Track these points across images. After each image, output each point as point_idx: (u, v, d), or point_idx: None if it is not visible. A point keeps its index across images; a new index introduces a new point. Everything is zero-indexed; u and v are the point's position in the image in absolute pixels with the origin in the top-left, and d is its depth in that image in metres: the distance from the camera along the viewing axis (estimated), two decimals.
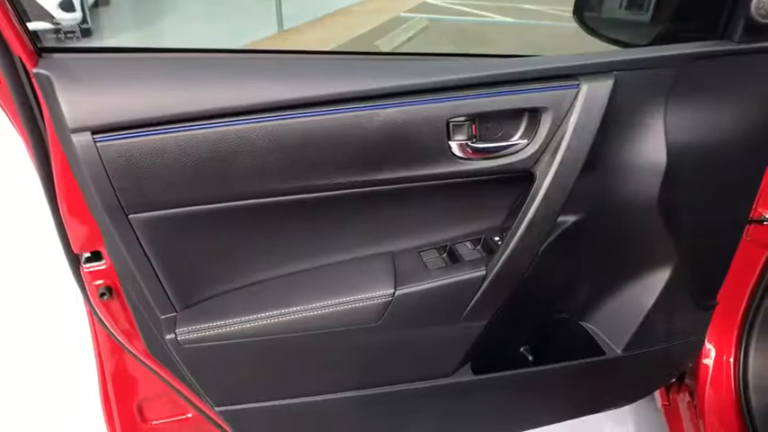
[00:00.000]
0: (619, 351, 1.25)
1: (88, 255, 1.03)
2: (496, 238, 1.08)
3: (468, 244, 1.10)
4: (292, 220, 1.01)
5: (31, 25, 0.81)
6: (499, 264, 1.02)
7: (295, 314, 1.02)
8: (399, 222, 1.09)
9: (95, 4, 6.80)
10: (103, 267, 1.03)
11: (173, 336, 1.00)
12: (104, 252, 1.01)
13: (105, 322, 1.10)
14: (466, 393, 1.24)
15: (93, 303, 1.07)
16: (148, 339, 1.09)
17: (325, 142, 0.88)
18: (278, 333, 1.03)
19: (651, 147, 1.00)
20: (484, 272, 1.04)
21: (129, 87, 0.83)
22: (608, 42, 1.12)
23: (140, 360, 1.15)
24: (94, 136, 0.81)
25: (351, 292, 1.03)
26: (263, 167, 0.88)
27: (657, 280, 1.18)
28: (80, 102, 0.81)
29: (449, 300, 1.06)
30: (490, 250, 1.07)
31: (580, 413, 1.45)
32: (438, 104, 0.90)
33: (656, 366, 1.39)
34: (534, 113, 0.94)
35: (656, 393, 1.74)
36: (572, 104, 0.92)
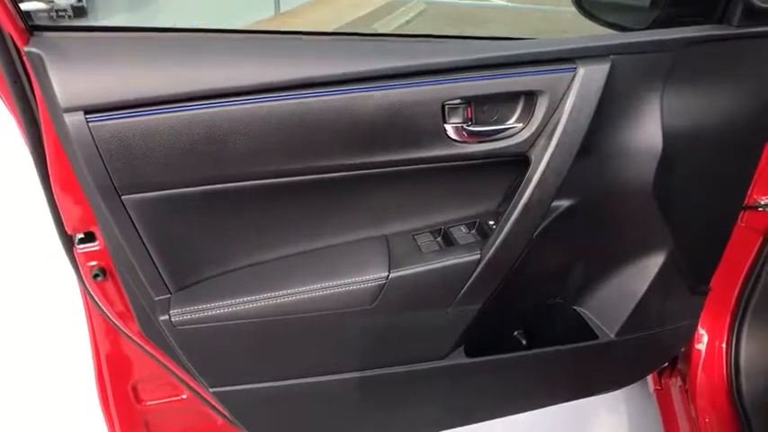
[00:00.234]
0: (612, 336, 1.25)
1: (82, 236, 1.03)
2: (491, 222, 1.07)
3: (462, 228, 1.10)
4: (286, 202, 1.00)
5: (23, 4, 0.80)
6: (493, 248, 1.02)
7: (289, 297, 1.02)
8: (394, 205, 1.08)
9: None
10: (97, 248, 1.03)
11: (167, 317, 1.00)
12: (98, 233, 1.01)
13: (99, 304, 1.10)
14: (459, 376, 1.25)
15: (86, 285, 1.07)
16: (142, 321, 1.09)
17: (320, 124, 0.88)
18: (272, 315, 1.03)
19: (647, 131, 1.00)
20: (478, 256, 1.04)
21: (123, 67, 0.82)
22: (605, 26, 1.11)
23: (135, 341, 1.15)
24: (87, 116, 0.80)
25: (345, 274, 1.03)
26: (257, 149, 0.88)
27: (651, 265, 1.18)
28: (72, 81, 0.80)
29: (443, 283, 1.06)
30: (485, 234, 1.07)
31: (573, 397, 1.46)
32: (434, 87, 0.89)
33: (649, 351, 1.40)
34: (530, 97, 0.93)
35: (649, 378, 1.76)
36: (568, 88, 0.91)
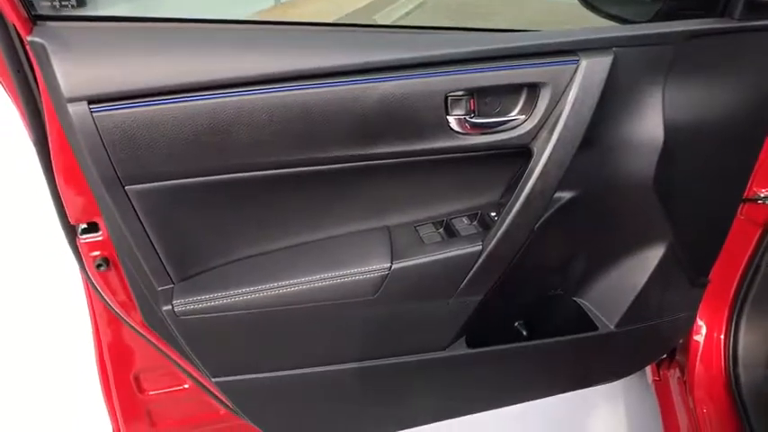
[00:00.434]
0: (611, 327, 1.26)
1: (85, 226, 1.03)
2: (493, 214, 1.08)
3: (464, 219, 1.10)
4: (289, 193, 1.01)
5: None
6: (495, 239, 1.02)
7: (291, 287, 1.03)
8: (396, 197, 1.09)
9: None
10: (100, 239, 1.03)
11: (169, 307, 1.01)
12: (101, 223, 1.01)
13: (102, 293, 1.10)
14: (460, 367, 1.26)
15: (89, 274, 1.07)
16: (145, 311, 1.09)
17: (323, 115, 0.88)
18: (274, 306, 1.04)
19: (648, 124, 1.00)
20: (480, 247, 1.04)
21: (126, 57, 0.82)
22: (608, 18, 1.11)
23: (137, 331, 1.16)
24: (91, 106, 0.80)
25: (347, 265, 1.04)
26: (260, 140, 0.88)
27: (651, 257, 1.19)
28: (76, 71, 0.80)
29: (444, 274, 1.07)
30: (486, 225, 1.07)
31: (572, 387, 1.47)
32: (436, 78, 0.89)
33: (648, 342, 1.41)
34: (533, 89, 0.93)
35: (647, 369, 1.76)
36: (571, 80, 0.91)
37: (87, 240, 1.03)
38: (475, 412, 1.43)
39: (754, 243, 1.43)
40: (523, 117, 0.95)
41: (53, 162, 0.93)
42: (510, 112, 0.95)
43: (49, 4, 0.84)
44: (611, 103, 0.96)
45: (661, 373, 1.70)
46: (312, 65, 0.86)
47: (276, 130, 0.87)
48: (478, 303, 1.13)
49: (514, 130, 0.96)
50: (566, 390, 1.46)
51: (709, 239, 1.26)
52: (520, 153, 0.98)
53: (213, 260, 1.05)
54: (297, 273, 1.04)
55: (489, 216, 1.08)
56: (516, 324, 1.28)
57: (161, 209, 0.93)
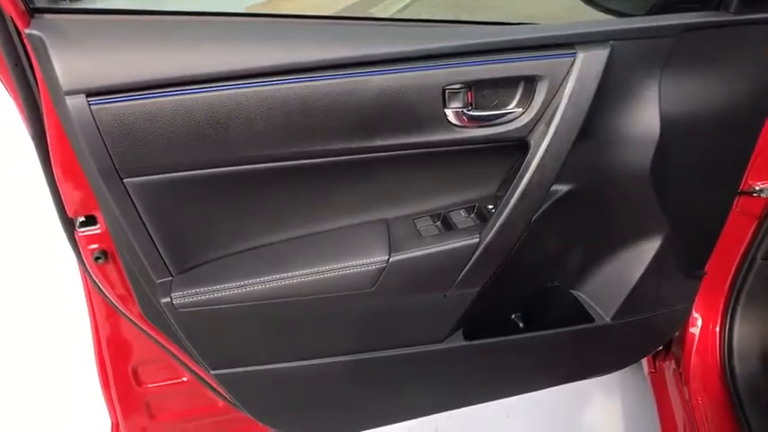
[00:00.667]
0: (608, 319, 1.26)
1: (83, 219, 1.03)
2: (490, 207, 1.08)
3: (461, 212, 1.10)
4: (287, 186, 1.01)
5: None
6: (492, 232, 1.03)
7: (290, 279, 1.03)
8: (394, 189, 1.09)
9: None
10: (98, 231, 1.03)
11: (168, 300, 1.01)
12: (99, 216, 1.01)
13: (100, 286, 1.11)
14: (457, 359, 1.26)
15: (88, 267, 1.07)
16: (144, 303, 1.10)
17: (320, 108, 0.88)
18: (273, 298, 1.04)
19: (645, 117, 1.00)
20: (477, 239, 1.05)
21: (124, 50, 0.82)
22: (604, 12, 1.11)
23: (136, 324, 1.16)
24: (89, 99, 0.80)
25: (345, 258, 1.04)
26: (259, 133, 0.88)
27: (647, 249, 1.19)
28: (74, 64, 0.80)
29: (442, 267, 1.07)
30: (484, 218, 1.07)
31: (568, 379, 1.47)
32: (434, 71, 0.89)
33: (644, 334, 1.41)
34: (530, 82, 0.93)
35: (643, 361, 1.77)
36: (568, 73, 0.92)
37: (85, 233, 1.03)
38: (472, 404, 1.44)
39: (749, 235, 1.43)
40: (521, 110, 0.95)
41: (51, 155, 0.93)
42: (507, 105, 0.96)
43: None
44: (608, 95, 0.96)
45: (657, 365, 1.71)
46: (309, 58, 0.86)
47: (274, 123, 0.87)
48: (476, 296, 1.13)
49: (512, 123, 0.96)
50: (562, 382, 1.46)
51: (705, 232, 1.26)
52: (517, 146, 0.99)
53: (211, 253, 1.05)
54: (295, 265, 1.04)
55: (486, 209, 1.08)
56: (513, 316, 1.29)
57: (159, 201, 0.94)
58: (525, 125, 0.96)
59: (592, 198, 1.10)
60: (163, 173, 0.90)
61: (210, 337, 1.11)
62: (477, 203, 1.10)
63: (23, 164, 1.32)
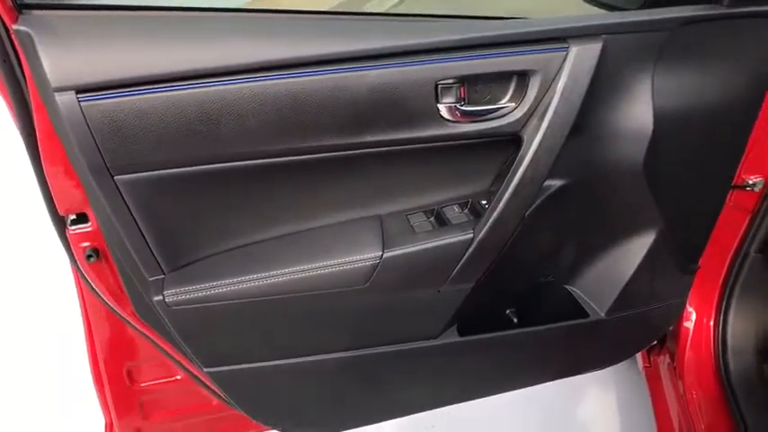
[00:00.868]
0: (602, 314, 1.26)
1: (74, 217, 1.02)
2: (483, 202, 1.08)
3: (455, 207, 1.10)
4: (280, 182, 1.00)
5: None
6: (486, 227, 1.02)
7: (283, 276, 1.03)
8: (387, 185, 1.08)
9: None
10: (90, 229, 1.02)
11: (160, 297, 1.01)
12: (90, 214, 1.01)
13: (92, 285, 1.10)
14: (451, 355, 1.26)
15: (79, 266, 1.07)
16: (136, 301, 1.09)
17: (312, 104, 0.87)
18: (266, 295, 1.04)
19: (638, 111, 1.00)
20: (471, 235, 1.04)
21: (114, 46, 0.81)
22: (597, 6, 1.11)
23: (128, 322, 1.15)
24: (78, 95, 0.80)
25: (339, 254, 1.04)
26: (249, 129, 0.87)
27: (641, 244, 1.19)
28: (63, 60, 0.79)
29: (436, 263, 1.07)
30: (477, 213, 1.07)
31: (563, 374, 1.47)
32: (427, 66, 0.89)
33: (639, 329, 1.42)
34: (523, 76, 0.93)
35: (638, 355, 1.78)
36: (560, 68, 0.91)
37: (77, 231, 1.02)
38: (467, 400, 1.44)
39: (742, 229, 1.43)
40: (513, 105, 0.95)
41: (41, 152, 0.92)
42: (500, 99, 0.95)
43: None
44: (601, 90, 0.96)
45: (651, 359, 1.71)
46: (301, 53, 0.85)
47: (265, 119, 0.87)
48: (470, 291, 1.13)
49: (504, 118, 0.95)
50: (556, 377, 1.46)
51: (698, 226, 1.26)
52: (510, 141, 0.98)
53: (204, 250, 1.05)
54: (288, 262, 1.03)
55: (480, 204, 1.08)
56: (507, 312, 1.28)
57: (151, 199, 0.93)
58: (518, 120, 0.95)
59: (585, 193, 1.10)
60: (154, 170, 0.89)
61: (203, 335, 1.11)
62: (470, 199, 1.10)
63: (13, 161, 1.31)
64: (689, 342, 1.53)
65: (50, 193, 0.98)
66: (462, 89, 0.92)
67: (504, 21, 0.94)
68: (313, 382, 1.26)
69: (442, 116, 0.93)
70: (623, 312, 1.28)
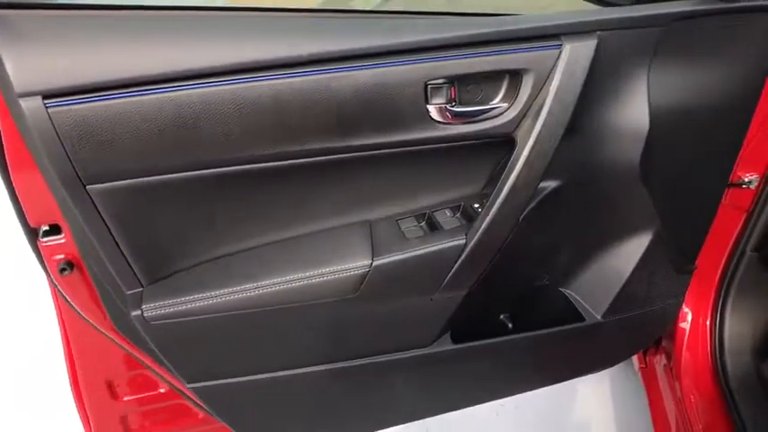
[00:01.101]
0: (598, 317, 1.24)
1: (46, 228, 0.97)
2: (476, 206, 1.05)
3: (446, 211, 1.07)
4: (263, 189, 0.96)
5: None
6: (479, 232, 0.99)
7: (268, 287, 0.98)
8: (376, 190, 1.05)
9: None
10: (63, 241, 0.97)
11: (139, 312, 0.96)
12: (64, 225, 0.96)
13: (68, 299, 1.05)
14: (445, 363, 1.23)
15: (54, 279, 1.02)
16: (114, 316, 1.04)
17: (296, 106, 0.83)
18: (251, 307, 1.00)
19: (634, 110, 0.98)
20: (464, 240, 1.01)
21: (84, 47, 0.77)
22: (590, 1, 1.08)
23: (108, 336, 1.11)
24: (45, 101, 0.75)
25: (326, 263, 1.00)
26: (230, 134, 0.83)
27: (638, 245, 1.17)
28: (28, 63, 0.74)
29: (428, 269, 1.03)
30: (470, 217, 1.04)
31: (559, 379, 1.45)
32: (415, 66, 0.85)
33: (636, 331, 1.40)
34: (515, 76, 0.90)
35: (634, 356, 1.75)
36: (554, 66, 0.89)
37: (49, 243, 0.98)
38: (460, 408, 1.41)
39: (738, 228, 1.42)
40: (506, 105, 0.92)
41: (8, 161, 0.88)
42: (492, 100, 0.92)
43: None
44: (596, 88, 0.93)
45: (647, 360, 1.69)
46: (283, 53, 0.81)
47: (246, 123, 0.83)
48: (463, 298, 1.10)
49: (497, 119, 0.93)
50: (552, 382, 1.44)
51: (695, 225, 1.24)
52: (503, 142, 0.95)
53: (184, 261, 1.00)
54: (273, 272, 0.99)
55: (472, 208, 1.05)
56: (502, 316, 1.26)
57: (126, 209, 0.88)
58: (511, 120, 0.92)
59: (580, 194, 1.08)
60: (129, 178, 0.84)
61: (186, 350, 1.06)
62: (462, 202, 1.07)
63: None
64: (685, 343, 1.51)
65: (20, 204, 0.93)
66: (453, 89, 0.90)
67: (496, 18, 0.91)
68: (302, 395, 1.22)
69: (431, 118, 0.90)
70: (620, 315, 1.26)
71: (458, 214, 1.06)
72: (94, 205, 0.85)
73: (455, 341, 1.20)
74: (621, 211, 1.13)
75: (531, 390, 1.44)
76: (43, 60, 0.75)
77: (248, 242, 1.02)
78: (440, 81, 0.88)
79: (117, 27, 0.80)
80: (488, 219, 0.98)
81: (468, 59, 0.87)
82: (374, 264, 1.00)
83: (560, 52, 0.88)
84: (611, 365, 1.51)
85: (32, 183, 0.89)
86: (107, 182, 0.84)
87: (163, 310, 0.97)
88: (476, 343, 1.21)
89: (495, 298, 1.21)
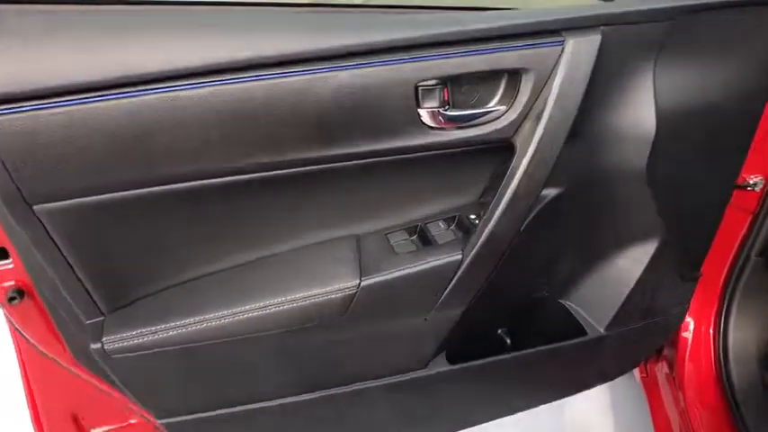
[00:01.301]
0: (601, 330, 1.19)
1: None
2: (472, 216, 0.98)
3: (440, 223, 1.00)
4: (235, 204, 0.87)
5: None
6: (477, 246, 0.93)
7: (244, 314, 0.89)
8: (362, 202, 0.97)
9: None
10: (11, 267, 0.87)
11: (99, 345, 0.86)
12: (12, 249, 0.85)
13: (20, 329, 0.95)
14: (440, 384, 1.16)
15: (4, 309, 0.91)
16: (74, 347, 0.94)
17: (271, 112, 0.75)
18: (225, 336, 0.90)
19: (640, 111, 0.93)
20: (460, 256, 0.94)
21: (22, 46, 0.67)
22: None
23: (68, 369, 1.00)
24: None
25: (308, 285, 0.91)
26: (196, 144, 0.74)
27: (642, 253, 1.12)
28: None
29: (421, 288, 0.96)
30: (465, 230, 0.97)
31: (561, 395, 1.40)
32: (405, 65, 0.78)
33: (639, 342, 1.35)
34: (514, 75, 0.84)
35: None
36: (556, 64, 0.82)
37: None
38: (459, 430, 1.33)
39: (743, 232, 1.36)
40: (504, 108, 0.85)
41: None
42: (488, 102, 0.85)
43: None
44: (600, 88, 0.88)
45: (648, 368, 1.64)
46: (255, 52, 0.72)
47: (214, 132, 0.74)
48: (459, 316, 1.02)
49: (494, 123, 0.86)
50: (554, 399, 1.38)
51: (701, 231, 1.19)
52: (501, 148, 0.89)
53: (149, 286, 0.91)
54: (249, 297, 0.90)
55: (469, 219, 0.98)
56: (499, 331, 1.19)
57: (80, 230, 0.79)
58: (510, 124, 0.86)
59: (583, 201, 1.02)
60: (81, 196, 0.75)
61: (154, 384, 0.97)
62: (457, 214, 1.00)
63: None
64: (688, 352, 1.46)
65: None
66: (446, 91, 0.83)
67: (492, 12, 0.84)
68: (287, 427, 1.13)
69: (423, 123, 0.83)
70: (624, 327, 1.21)
71: (452, 226, 0.99)
72: (44, 227, 0.76)
73: (451, 361, 1.13)
74: (626, 217, 1.08)
75: (530, 408, 1.37)
76: None
77: (220, 263, 0.93)
78: (432, 82, 0.81)
79: (58, 23, 0.70)
80: (487, 232, 0.91)
81: (463, 58, 0.80)
82: (362, 284, 0.92)
83: (562, 49, 0.82)
84: (615, 378, 1.45)
85: None
86: (56, 201, 0.74)
87: (126, 342, 0.87)
88: (473, 363, 1.13)
89: (492, 313, 1.15)
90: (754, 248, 1.36)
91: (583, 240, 1.10)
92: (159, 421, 1.01)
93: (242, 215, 0.90)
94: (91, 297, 0.85)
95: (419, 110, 0.81)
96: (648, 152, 0.94)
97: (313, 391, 1.07)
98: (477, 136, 0.86)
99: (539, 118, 0.84)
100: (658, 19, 0.86)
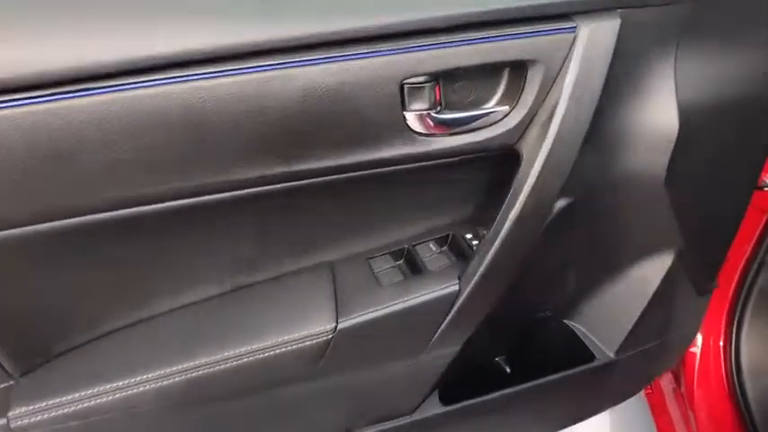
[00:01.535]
0: (611, 354, 1.09)
1: None
2: (469, 236, 0.86)
3: (431, 245, 0.88)
4: (180, 232, 0.73)
5: None
6: (478, 275, 0.80)
7: (193, 371, 0.74)
8: (339, 223, 0.84)
9: None
10: None
11: (4, 421, 0.70)
12: None
13: None
14: (433, 429, 1.02)
15: None
16: None
17: (221, 119, 0.60)
18: (170, 399, 0.75)
19: (660, 108, 0.82)
20: (457, 286, 0.81)
21: None
22: None
23: None
24: None
25: (273, 331, 0.76)
26: (124, 162, 0.59)
27: (657, 268, 1.01)
28: None
29: (411, 328, 0.83)
30: (461, 252, 0.85)
31: (566, 424, 1.28)
32: (388, 58, 0.64)
33: (650, 363, 1.25)
34: (518, 69, 0.71)
35: None
36: (568, 55, 0.70)
37: None
38: None
39: (756, 236, 1.28)
40: (506, 108, 0.73)
41: None
42: (488, 101, 0.74)
43: None
44: (617, 83, 0.76)
45: (653, 383, 1.54)
46: (198, 44, 0.57)
47: (148, 147, 0.59)
48: (455, 353, 0.89)
49: (495, 127, 0.74)
50: (560, 428, 1.26)
51: (719, 238, 1.09)
52: (503, 157, 0.77)
53: (72, 338, 0.76)
54: (201, 347, 0.75)
55: (464, 239, 0.86)
56: (497, 359, 1.08)
57: None
58: (513, 129, 0.74)
59: (594, 211, 0.91)
60: None
61: None
62: (450, 232, 0.88)
63: None
64: (697, 367, 1.36)
65: None
66: (437, 89, 0.70)
67: None
68: None
69: (410, 128, 0.70)
70: (635, 349, 1.11)
71: (445, 247, 0.87)
72: None
73: (444, 402, 1.00)
74: (640, 226, 0.97)
75: None
76: None
77: (163, 305, 0.79)
78: (420, 79, 0.67)
79: None
80: (489, 257, 0.79)
81: (456, 48, 0.67)
82: (339, 327, 0.78)
83: (575, 37, 0.69)
84: (623, 401, 1.36)
85: None
86: None
87: (39, 416, 0.71)
88: (470, 402, 1.01)
89: (491, 342, 1.04)
90: None
91: (592, 254, 1.00)
92: None
93: (182, 248, 0.75)
94: None
95: (405, 113, 0.69)
96: (670, 154, 0.83)
97: None
98: (474, 143, 0.73)
99: (549, 120, 0.72)
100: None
